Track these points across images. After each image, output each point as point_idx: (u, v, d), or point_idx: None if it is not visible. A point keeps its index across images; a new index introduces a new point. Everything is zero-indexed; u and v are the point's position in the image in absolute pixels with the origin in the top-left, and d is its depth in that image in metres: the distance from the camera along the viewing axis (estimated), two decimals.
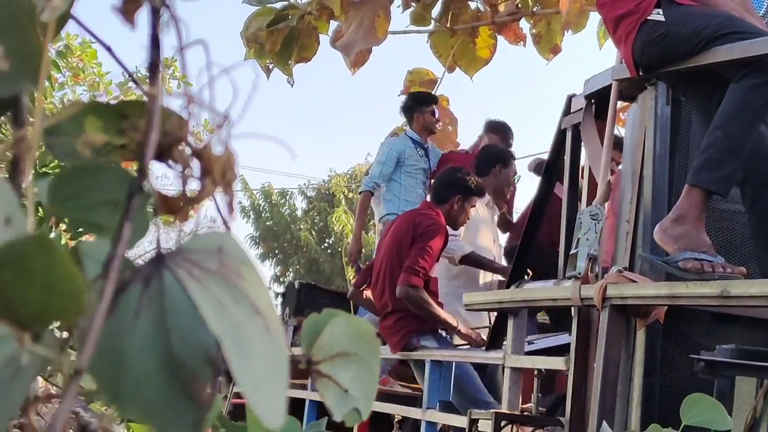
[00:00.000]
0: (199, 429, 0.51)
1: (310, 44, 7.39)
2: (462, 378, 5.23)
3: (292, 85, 7.59)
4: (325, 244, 25.74)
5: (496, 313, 4.84)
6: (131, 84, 10.72)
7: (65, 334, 0.54)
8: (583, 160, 4.41)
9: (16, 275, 0.47)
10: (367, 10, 6.96)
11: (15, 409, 0.51)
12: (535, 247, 4.79)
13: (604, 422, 3.24)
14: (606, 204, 3.87)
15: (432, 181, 7.02)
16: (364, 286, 5.99)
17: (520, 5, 7.42)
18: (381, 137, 7.46)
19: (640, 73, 3.63)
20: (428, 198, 6.39)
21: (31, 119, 0.61)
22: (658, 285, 3.39)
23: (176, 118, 0.62)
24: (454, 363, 5.18)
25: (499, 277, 6.34)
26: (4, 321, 0.49)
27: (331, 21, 7.32)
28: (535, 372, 4.94)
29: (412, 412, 5.32)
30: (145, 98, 0.61)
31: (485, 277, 6.32)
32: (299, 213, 26.48)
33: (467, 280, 6.18)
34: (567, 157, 4.42)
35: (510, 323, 4.34)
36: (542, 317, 6.75)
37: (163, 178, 7.10)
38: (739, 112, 3.21)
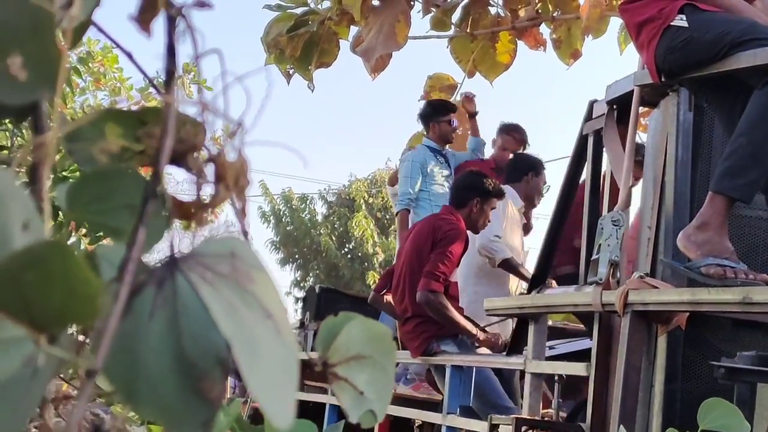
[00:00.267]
0: (208, 428, 0.52)
1: (331, 49, 7.40)
2: (482, 383, 5.22)
3: (312, 91, 7.61)
4: (345, 249, 25.77)
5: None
6: (152, 90, 10.77)
7: (82, 337, 0.54)
8: (605, 165, 4.39)
9: (34, 279, 0.48)
10: (387, 16, 6.97)
11: (33, 409, 0.51)
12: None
13: (623, 427, 3.22)
14: (628, 210, 3.86)
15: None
16: (385, 290, 5.99)
17: (540, 10, 7.41)
18: (402, 142, 7.47)
19: (663, 79, 3.62)
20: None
21: (52, 125, 0.61)
22: (680, 291, 3.37)
23: (193, 124, 0.62)
24: (474, 368, 5.17)
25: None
26: (23, 323, 0.49)
27: (352, 26, 7.34)
28: (556, 378, 4.93)
29: (433, 417, 5.31)
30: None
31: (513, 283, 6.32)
32: (319, 218, 26.53)
33: (494, 281, 6.20)
34: (589, 163, 4.41)
35: (531, 329, 4.33)
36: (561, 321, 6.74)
37: (184, 183, 7.12)
38: (763, 118, 3.20)
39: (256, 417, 6.69)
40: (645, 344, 3.55)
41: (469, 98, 7.69)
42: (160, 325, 0.54)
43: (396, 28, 6.87)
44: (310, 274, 25.82)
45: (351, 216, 25.35)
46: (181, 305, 0.54)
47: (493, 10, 7.52)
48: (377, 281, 6.56)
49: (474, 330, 5.39)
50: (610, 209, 3.98)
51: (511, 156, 7.32)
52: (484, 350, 5.55)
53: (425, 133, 7.38)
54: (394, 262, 6.43)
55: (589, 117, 4.40)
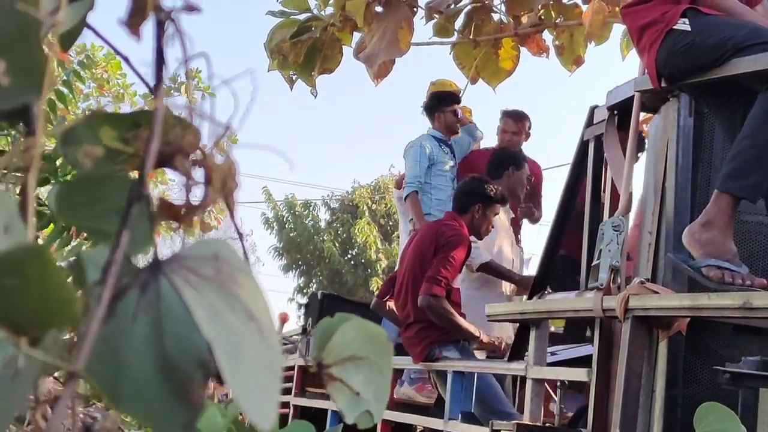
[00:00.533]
0: (190, 430, 0.52)
1: (334, 56, 7.41)
2: (484, 389, 5.21)
3: (315, 97, 7.62)
4: (349, 256, 25.76)
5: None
6: (175, 98, 10.77)
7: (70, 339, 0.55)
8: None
9: (12, 283, 0.48)
10: (390, 22, 6.98)
11: (15, 409, 0.52)
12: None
13: None
14: (628, 215, 3.86)
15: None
16: (387, 296, 5.99)
17: (543, 17, 7.41)
18: (407, 144, 7.45)
19: (663, 84, 3.62)
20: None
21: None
22: (681, 296, 3.37)
23: (185, 127, 0.63)
24: (476, 374, 5.16)
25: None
26: (3, 326, 0.50)
27: (355, 32, 7.34)
28: (558, 383, 4.93)
29: (434, 423, 5.31)
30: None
31: (507, 286, 6.33)
32: (322, 224, 26.51)
33: (485, 284, 6.19)
34: (589, 169, 4.41)
35: (532, 334, 4.33)
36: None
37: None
38: (767, 121, 3.20)
39: None
40: (646, 350, 3.54)
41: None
42: (143, 327, 0.54)
43: (399, 35, 6.88)
44: (314, 281, 25.80)
45: (354, 222, 25.33)
46: (165, 308, 0.55)
47: (495, 17, 7.52)
48: (379, 287, 6.55)
49: (477, 333, 5.39)
50: (611, 215, 3.98)
51: (509, 139, 7.36)
52: (480, 354, 5.56)
53: (430, 126, 7.40)
54: (396, 268, 6.43)
55: (590, 123, 4.40)
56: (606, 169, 4.26)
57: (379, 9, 7.12)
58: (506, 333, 5.92)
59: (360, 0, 6.89)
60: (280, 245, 26.08)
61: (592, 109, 4.40)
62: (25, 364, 0.51)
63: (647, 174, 3.94)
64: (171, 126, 0.59)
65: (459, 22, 7.50)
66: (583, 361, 4.37)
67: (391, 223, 24.78)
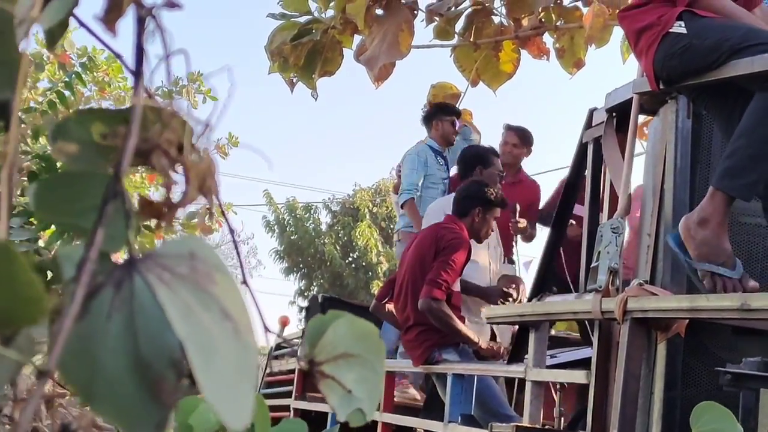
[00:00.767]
0: (162, 429, 0.52)
1: (334, 58, 7.42)
2: (483, 391, 5.21)
3: (315, 99, 7.63)
4: (350, 259, 25.76)
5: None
6: (156, 98, 10.76)
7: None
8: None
9: None
10: (390, 25, 6.98)
11: None
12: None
13: None
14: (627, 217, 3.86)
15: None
16: (387, 299, 5.98)
17: (543, 19, 7.41)
18: (405, 151, 7.44)
19: (661, 86, 3.62)
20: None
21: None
22: (679, 298, 3.37)
23: (168, 125, 0.63)
24: (475, 376, 5.16)
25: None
26: None
27: (355, 35, 7.35)
28: (557, 386, 4.92)
29: (434, 426, 5.31)
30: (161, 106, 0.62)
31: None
32: (324, 227, 26.52)
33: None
34: (588, 171, 4.41)
35: (531, 337, 4.32)
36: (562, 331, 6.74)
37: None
38: (763, 121, 3.20)
39: None
40: (644, 351, 3.54)
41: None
42: (117, 326, 0.54)
43: (399, 37, 6.88)
44: (315, 284, 25.81)
45: (355, 225, 25.35)
46: (138, 306, 0.54)
47: (496, 19, 7.53)
48: (379, 289, 6.53)
49: (476, 338, 5.39)
50: (610, 217, 3.98)
51: (510, 151, 7.35)
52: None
53: (427, 134, 7.38)
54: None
55: (588, 125, 4.40)
56: (605, 171, 4.26)
57: (379, 12, 7.13)
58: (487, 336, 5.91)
59: (361, 3, 6.89)
60: (281, 248, 26.09)
61: (591, 112, 4.40)
62: None
63: (646, 176, 3.94)
64: (151, 123, 0.59)
65: (459, 25, 7.51)
66: (583, 364, 4.37)
67: (392, 226, 24.77)
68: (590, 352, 4.07)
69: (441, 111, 7.33)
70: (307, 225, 26.23)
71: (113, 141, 0.59)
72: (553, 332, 6.32)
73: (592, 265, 3.81)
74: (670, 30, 3.51)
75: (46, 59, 11.05)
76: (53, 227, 3.83)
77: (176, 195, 0.59)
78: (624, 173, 3.90)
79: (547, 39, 7.48)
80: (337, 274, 25.24)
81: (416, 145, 7.35)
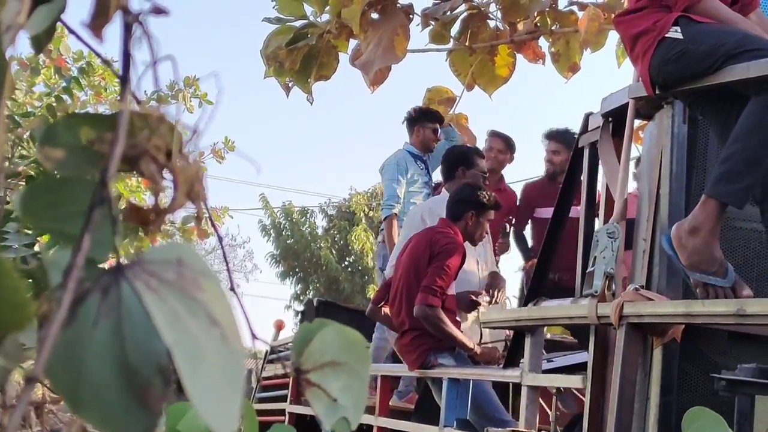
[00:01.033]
0: None
1: (330, 62, 7.42)
2: (479, 396, 5.20)
3: (311, 103, 7.63)
4: (346, 263, 25.78)
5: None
6: (153, 102, 10.77)
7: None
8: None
9: None
10: (386, 29, 6.99)
11: None
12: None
13: None
14: (623, 222, 3.85)
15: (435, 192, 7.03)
16: (383, 303, 5.98)
17: (538, 24, 7.43)
18: (384, 160, 7.43)
19: (657, 92, 3.62)
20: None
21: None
22: (675, 303, 3.37)
23: (168, 131, 0.62)
24: (471, 381, 5.16)
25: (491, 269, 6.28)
26: None
27: (351, 39, 7.35)
28: (554, 390, 4.92)
29: (430, 430, 5.30)
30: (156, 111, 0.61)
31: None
32: (320, 231, 26.55)
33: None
34: (584, 176, 4.41)
35: (527, 341, 4.32)
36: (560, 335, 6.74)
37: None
38: (759, 126, 3.20)
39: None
40: (640, 356, 3.54)
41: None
42: (104, 332, 0.53)
43: (395, 41, 6.89)
44: (311, 288, 25.82)
45: (351, 229, 25.37)
46: (125, 312, 0.54)
47: (491, 24, 7.54)
48: (375, 293, 6.52)
49: (471, 344, 5.38)
50: (605, 221, 3.98)
51: (495, 156, 7.36)
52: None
53: (409, 138, 7.35)
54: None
55: (584, 130, 4.40)
56: (601, 176, 4.26)
57: (375, 16, 7.14)
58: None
59: (356, 7, 6.90)
60: (277, 252, 26.11)
61: (587, 117, 4.40)
62: None
63: (642, 181, 3.94)
64: (138, 129, 0.58)
65: (455, 29, 7.52)
66: (579, 368, 4.37)
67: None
68: (586, 356, 4.07)
69: (425, 117, 7.30)
70: (303, 229, 26.25)
71: (100, 146, 0.58)
72: (548, 336, 6.33)
73: (588, 270, 3.81)
74: (666, 35, 3.51)
75: (42, 63, 11.05)
76: None
77: (165, 201, 0.58)
78: (620, 178, 3.90)
79: (543, 43, 7.50)
80: (333, 278, 25.25)
81: (395, 153, 7.32)
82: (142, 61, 0.60)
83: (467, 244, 5.84)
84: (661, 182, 3.75)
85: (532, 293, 4.64)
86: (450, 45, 7.57)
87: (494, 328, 5.33)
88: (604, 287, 3.66)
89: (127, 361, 0.53)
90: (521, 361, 4.49)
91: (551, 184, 7.14)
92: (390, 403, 5.93)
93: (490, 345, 5.64)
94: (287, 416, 7.12)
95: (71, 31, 0.70)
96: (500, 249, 7.37)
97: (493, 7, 7.53)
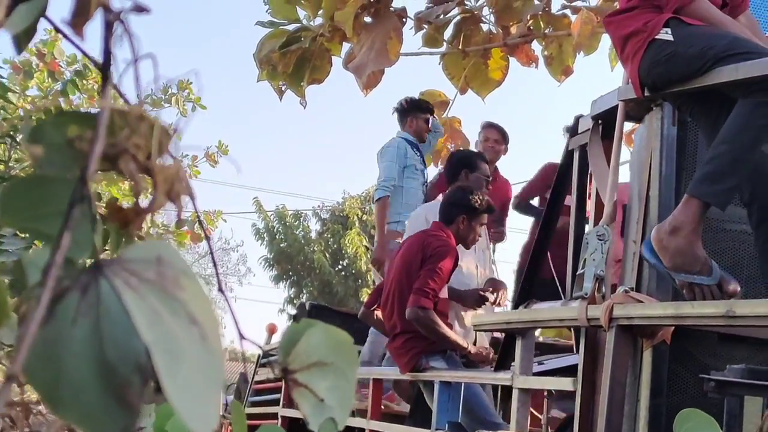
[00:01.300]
0: None
1: (323, 66, 7.43)
2: (471, 399, 5.21)
3: (304, 107, 7.63)
4: (339, 266, 25.76)
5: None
6: (145, 107, 10.75)
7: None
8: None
9: None
10: (379, 32, 6.99)
11: None
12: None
13: None
14: (613, 224, 3.86)
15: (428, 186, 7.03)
16: (375, 306, 5.98)
17: (531, 27, 7.44)
18: (382, 145, 7.40)
19: (646, 93, 3.63)
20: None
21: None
22: (665, 305, 3.37)
23: (149, 130, 0.63)
24: (463, 384, 5.16)
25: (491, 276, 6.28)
26: None
27: (344, 43, 7.36)
28: (545, 393, 4.92)
29: None
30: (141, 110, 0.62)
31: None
32: (313, 235, 26.52)
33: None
34: (574, 178, 4.41)
35: (518, 344, 4.33)
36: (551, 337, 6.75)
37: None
38: (745, 128, 3.21)
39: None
40: (630, 359, 3.54)
41: None
42: (82, 330, 0.54)
43: (388, 45, 6.90)
44: (304, 291, 25.79)
45: (344, 233, 25.35)
46: (104, 311, 0.54)
47: (485, 27, 7.56)
48: (367, 297, 6.52)
49: (465, 344, 5.39)
50: (595, 224, 3.98)
51: (491, 147, 7.35)
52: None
53: (401, 128, 7.34)
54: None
55: (574, 132, 4.41)
56: (591, 179, 4.27)
57: (368, 19, 7.15)
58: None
59: (349, 10, 6.91)
60: (270, 256, 26.07)
61: (577, 119, 4.41)
62: None
63: (631, 183, 3.95)
64: (119, 128, 0.59)
65: (448, 33, 7.54)
66: (570, 371, 4.38)
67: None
68: (577, 359, 4.08)
69: (417, 108, 7.29)
70: (297, 233, 26.23)
71: (81, 145, 0.59)
72: (540, 339, 6.34)
73: (578, 273, 3.82)
74: (657, 37, 3.52)
75: (35, 67, 11.04)
76: None
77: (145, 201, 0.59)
78: (610, 180, 3.91)
79: (536, 46, 7.51)
80: (326, 281, 25.22)
81: (392, 138, 7.29)
82: (124, 60, 0.61)
83: (468, 248, 5.86)
84: (650, 184, 3.76)
85: (522, 295, 4.64)
86: (443, 48, 7.58)
87: (485, 330, 5.33)
88: (594, 289, 3.67)
89: (106, 359, 0.54)
90: (512, 363, 4.49)
91: None
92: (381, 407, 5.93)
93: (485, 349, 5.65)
94: (280, 420, 7.12)
95: (57, 29, 0.71)
96: (495, 238, 7.34)
97: (486, 11, 7.55)
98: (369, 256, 24.82)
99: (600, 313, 3.50)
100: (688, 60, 3.41)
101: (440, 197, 6.46)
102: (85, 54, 0.75)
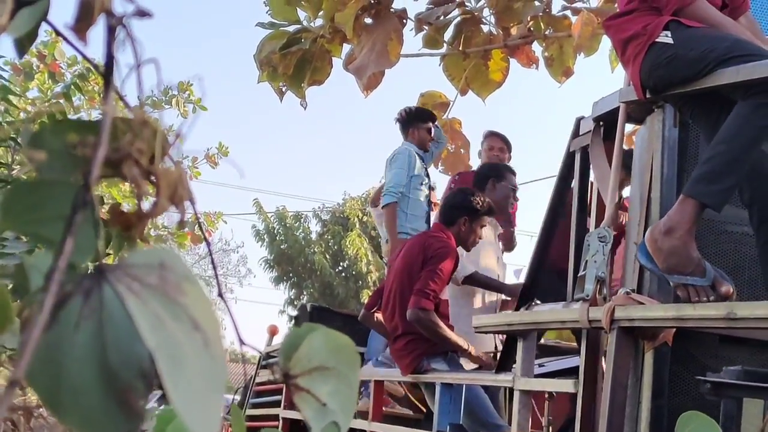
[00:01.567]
0: None
1: (323, 67, 7.42)
2: (472, 401, 5.20)
3: (305, 108, 7.62)
4: (339, 268, 25.75)
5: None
6: (146, 108, 10.76)
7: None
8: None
9: None
10: (379, 34, 6.99)
11: None
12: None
13: None
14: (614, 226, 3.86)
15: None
16: (376, 308, 5.98)
17: (532, 28, 7.44)
18: (394, 150, 7.37)
19: (647, 95, 3.63)
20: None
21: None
22: (666, 307, 3.37)
23: (152, 135, 0.63)
24: (464, 386, 5.16)
25: (502, 297, 6.32)
26: None
27: (344, 44, 7.36)
28: (546, 395, 4.92)
29: None
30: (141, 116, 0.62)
31: (486, 298, 6.29)
32: (313, 236, 26.52)
33: (465, 300, 6.18)
34: (576, 180, 4.41)
35: (519, 346, 4.32)
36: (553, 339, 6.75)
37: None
38: (743, 129, 3.21)
39: None
40: (632, 360, 3.54)
41: None
42: (85, 335, 0.54)
43: (388, 46, 6.90)
44: (304, 293, 25.79)
45: (345, 234, 25.35)
46: (107, 316, 0.54)
47: (485, 28, 7.56)
48: (368, 299, 6.52)
49: (466, 346, 5.39)
50: (597, 226, 3.98)
51: (496, 155, 7.34)
52: (471, 365, 5.55)
53: (404, 138, 7.28)
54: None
55: (576, 134, 4.41)
56: (592, 180, 4.27)
57: (368, 20, 7.15)
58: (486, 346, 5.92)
59: (349, 11, 6.91)
60: (270, 257, 26.07)
61: (578, 121, 4.41)
62: None
63: (633, 185, 3.95)
64: (122, 133, 0.59)
65: (448, 34, 7.54)
66: (571, 373, 4.37)
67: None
68: (578, 361, 4.08)
69: (417, 118, 7.18)
70: (297, 234, 26.23)
71: (84, 150, 0.59)
72: (542, 341, 6.33)
73: (579, 274, 3.81)
74: (657, 40, 3.52)
75: (35, 68, 11.04)
76: None
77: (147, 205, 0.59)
78: (611, 182, 3.91)
79: (536, 48, 7.51)
80: (326, 283, 25.22)
81: (401, 146, 7.21)
82: (127, 64, 0.61)
83: (490, 241, 5.88)
84: (652, 186, 3.76)
85: (524, 297, 4.64)
86: (443, 50, 7.58)
87: (487, 332, 5.33)
88: (596, 291, 3.67)
89: (109, 364, 0.54)
90: (513, 365, 4.49)
91: None
92: (383, 408, 5.94)
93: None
94: (281, 422, 7.12)
95: (59, 34, 0.71)
96: (505, 245, 7.31)
97: (486, 12, 7.55)
98: (369, 257, 24.85)
99: (601, 315, 3.50)
100: (689, 62, 3.40)
101: None
102: (86, 58, 0.75)
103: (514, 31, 7.47)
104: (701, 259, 3.28)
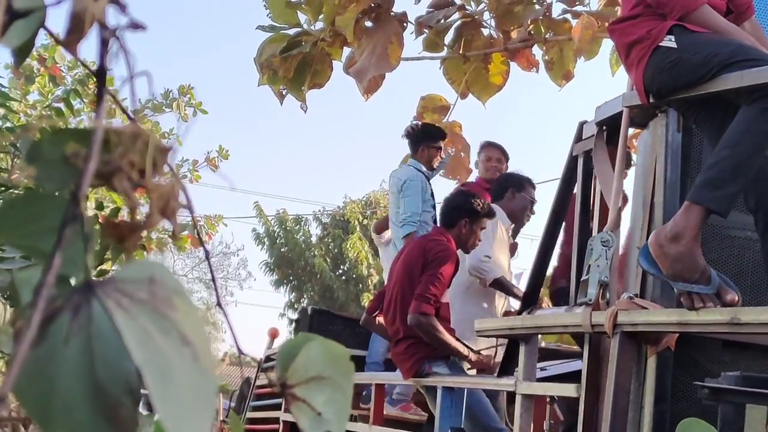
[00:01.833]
0: None
1: (324, 70, 7.41)
2: (474, 405, 5.20)
3: (305, 111, 7.61)
4: (340, 271, 25.75)
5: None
6: (147, 111, 10.77)
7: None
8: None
9: None
10: (379, 37, 6.98)
11: None
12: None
13: None
14: (617, 231, 3.85)
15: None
16: (377, 312, 5.97)
17: (532, 32, 7.43)
18: (395, 163, 7.36)
19: (651, 100, 3.62)
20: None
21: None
22: (669, 312, 3.36)
23: (144, 147, 0.61)
24: (465, 390, 5.15)
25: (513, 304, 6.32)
26: None
27: (345, 47, 7.35)
28: (548, 399, 4.91)
29: None
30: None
31: (499, 303, 6.30)
32: (314, 239, 26.52)
33: (482, 300, 6.19)
34: (579, 184, 4.40)
35: (522, 350, 4.31)
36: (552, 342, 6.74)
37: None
38: (748, 133, 3.19)
39: None
40: (634, 365, 3.53)
41: None
42: (74, 351, 0.53)
43: (389, 50, 6.89)
44: (305, 296, 25.79)
45: (345, 237, 25.35)
46: (96, 331, 0.54)
47: (485, 32, 7.54)
48: (369, 303, 6.52)
49: (466, 351, 5.38)
50: (600, 230, 3.97)
51: (494, 166, 7.34)
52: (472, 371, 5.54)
53: (412, 154, 7.25)
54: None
55: (579, 138, 4.40)
56: (595, 185, 4.25)
57: (368, 24, 7.14)
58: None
59: (350, 15, 6.90)
60: (271, 260, 26.08)
61: (581, 125, 4.40)
62: None
63: (636, 189, 3.94)
64: (114, 145, 0.57)
65: (449, 37, 7.52)
66: (573, 377, 4.36)
67: None
68: (580, 365, 4.06)
69: (428, 137, 7.14)
70: (297, 237, 26.23)
71: (76, 162, 0.57)
72: (543, 344, 6.33)
73: (582, 279, 3.80)
74: (660, 44, 3.51)
75: (36, 72, 11.04)
76: None
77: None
78: (614, 186, 3.89)
79: (537, 51, 7.50)
80: (327, 286, 25.22)
81: (410, 169, 7.14)
82: (120, 77, 0.59)
83: (501, 237, 5.88)
84: (655, 190, 3.75)
85: (526, 302, 4.63)
86: (444, 53, 7.57)
87: (488, 336, 5.31)
88: (599, 296, 3.66)
89: (97, 380, 0.53)
90: (515, 369, 4.48)
91: None
92: (384, 411, 5.93)
93: (484, 352, 5.63)
94: (281, 425, 7.11)
95: (58, 42, 0.69)
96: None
97: (486, 16, 7.53)
98: (370, 260, 24.85)
99: (604, 320, 3.49)
100: (693, 67, 3.39)
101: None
102: (85, 66, 0.73)
103: (514, 34, 7.46)
104: (707, 266, 3.26)
